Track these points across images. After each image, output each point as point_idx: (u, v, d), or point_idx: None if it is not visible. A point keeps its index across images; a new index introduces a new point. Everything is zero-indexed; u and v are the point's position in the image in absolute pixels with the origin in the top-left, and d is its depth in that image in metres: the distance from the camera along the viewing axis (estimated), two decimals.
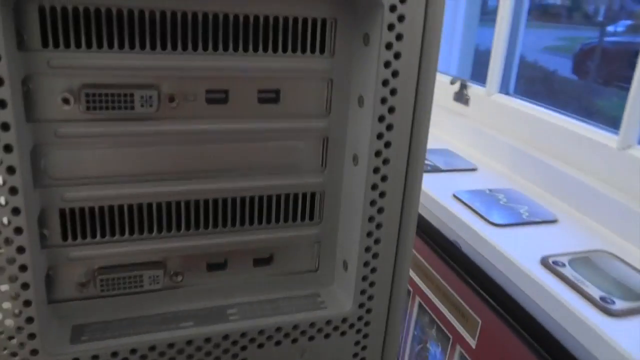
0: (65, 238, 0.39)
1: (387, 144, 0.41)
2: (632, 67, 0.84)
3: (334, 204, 0.45)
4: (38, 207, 0.37)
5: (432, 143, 1.17)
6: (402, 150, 0.41)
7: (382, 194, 0.42)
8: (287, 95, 0.41)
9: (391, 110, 0.40)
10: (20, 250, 0.35)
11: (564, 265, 0.77)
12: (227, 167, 0.42)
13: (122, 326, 0.41)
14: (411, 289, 1.04)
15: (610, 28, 1.37)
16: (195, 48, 0.38)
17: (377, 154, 0.41)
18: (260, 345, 0.43)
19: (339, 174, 0.44)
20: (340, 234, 0.46)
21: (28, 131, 0.35)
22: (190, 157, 0.40)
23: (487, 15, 1.20)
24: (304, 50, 0.40)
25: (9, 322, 0.36)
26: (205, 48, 0.38)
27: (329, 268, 0.47)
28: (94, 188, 0.38)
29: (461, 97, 1.21)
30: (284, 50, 0.40)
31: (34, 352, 0.37)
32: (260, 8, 0.38)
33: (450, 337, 0.93)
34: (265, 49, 0.39)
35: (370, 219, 0.42)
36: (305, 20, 0.40)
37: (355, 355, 0.47)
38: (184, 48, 0.37)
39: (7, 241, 0.34)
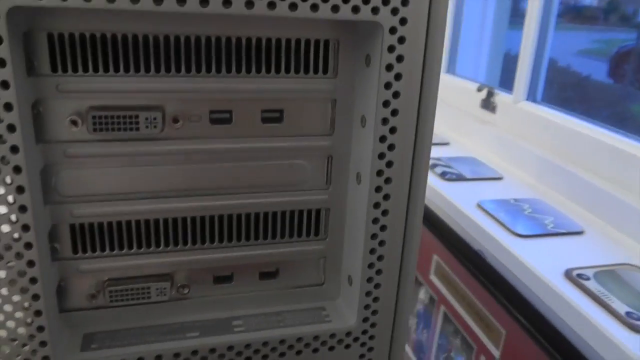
0: (75, 251, 0.41)
1: (389, 164, 0.41)
2: None
3: (339, 220, 0.46)
4: (49, 223, 0.39)
5: (458, 151, 1.17)
6: (404, 169, 0.42)
7: (384, 212, 0.43)
8: (291, 114, 0.42)
9: (392, 130, 0.41)
10: (31, 264, 0.37)
11: (588, 278, 0.76)
12: (232, 185, 0.43)
13: (131, 335, 0.43)
14: (436, 297, 1.04)
15: None
16: (199, 70, 0.39)
17: (379, 173, 0.41)
18: (265, 357, 0.44)
19: (343, 191, 0.45)
20: (345, 250, 0.46)
21: (38, 152, 0.37)
22: (195, 175, 0.42)
23: (519, 17, 1.19)
24: (307, 71, 0.41)
25: (22, 331, 0.38)
26: (208, 70, 0.39)
27: (335, 282, 0.48)
28: (103, 205, 0.40)
29: (488, 104, 1.21)
30: (287, 71, 0.41)
31: (45, 358, 0.39)
32: (264, 30, 0.39)
33: (475, 347, 0.93)
34: (268, 71, 0.41)
35: (373, 236, 0.43)
36: (308, 42, 0.41)
37: None
38: (188, 70, 0.39)
39: (18, 255, 0.36)
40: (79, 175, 0.39)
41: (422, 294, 1.10)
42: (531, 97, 1.13)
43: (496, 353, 0.88)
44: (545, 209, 0.93)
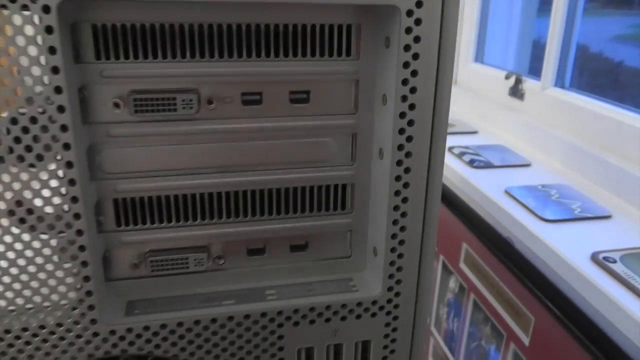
0: (119, 224, 0.45)
1: (409, 138, 0.44)
2: None
3: (364, 194, 0.49)
4: (94, 197, 0.43)
5: (486, 139, 1.18)
6: (423, 143, 0.45)
7: (405, 185, 0.45)
8: (317, 95, 0.45)
9: (412, 107, 0.43)
10: (79, 233, 0.40)
11: (615, 261, 0.76)
12: (263, 162, 0.46)
13: (171, 302, 0.46)
14: (466, 286, 1.06)
15: None
16: (231, 55, 0.42)
17: (400, 147, 0.44)
18: (296, 324, 0.47)
19: (367, 167, 0.48)
20: (370, 223, 0.49)
21: (84, 132, 0.41)
22: (229, 153, 0.45)
23: (548, 4, 1.18)
24: (331, 54, 0.44)
25: (72, 295, 0.42)
26: (240, 55, 0.42)
27: (362, 254, 0.51)
28: (143, 181, 0.44)
29: (516, 91, 1.21)
30: (313, 54, 0.44)
31: (93, 321, 0.43)
32: (291, 17, 0.42)
33: (504, 334, 0.94)
34: (295, 54, 0.44)
35: (396, 207, 0.46)
36: (331, 27, 0.43)
37: (386, 336, 0.50)
38: (221, 56, 0.42)
39: (68, 225, 0.40)
40: (121, 153, 0.43)
41: (452, 283, 1.12)
42: (559, 83, 1.13)
43: (526, 340, 0.88)
44: (573, 194, 0.94)
